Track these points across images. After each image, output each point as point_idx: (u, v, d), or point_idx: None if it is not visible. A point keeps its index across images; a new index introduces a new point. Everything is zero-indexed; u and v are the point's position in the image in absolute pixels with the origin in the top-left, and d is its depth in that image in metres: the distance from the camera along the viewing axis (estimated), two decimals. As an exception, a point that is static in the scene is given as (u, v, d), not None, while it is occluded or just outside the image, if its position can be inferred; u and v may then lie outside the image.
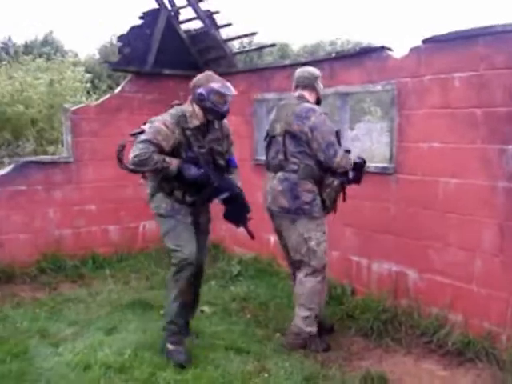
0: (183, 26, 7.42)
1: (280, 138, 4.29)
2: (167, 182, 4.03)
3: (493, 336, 4.12)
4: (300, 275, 4.33)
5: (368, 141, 19.43)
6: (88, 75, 16.84)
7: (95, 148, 6.83)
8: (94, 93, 17.24)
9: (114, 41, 20.41)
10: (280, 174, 4.28)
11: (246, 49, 10.33)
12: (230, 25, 7.11)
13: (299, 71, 4.48)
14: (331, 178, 4.21)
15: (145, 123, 4.07)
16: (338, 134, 4.24)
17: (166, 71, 7.22)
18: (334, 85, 5.52)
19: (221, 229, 7.28)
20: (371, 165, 5.34)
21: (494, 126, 4.11)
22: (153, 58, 7.07)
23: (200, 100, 4.01)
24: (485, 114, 4.17)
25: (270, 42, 9.71)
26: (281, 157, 4.28)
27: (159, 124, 3.91)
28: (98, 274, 6.28)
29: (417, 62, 4.69)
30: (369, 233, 5.22)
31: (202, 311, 5.00)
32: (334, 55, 5.66)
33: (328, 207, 4.29)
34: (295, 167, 4.20)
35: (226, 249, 7.08)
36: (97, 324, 4.75)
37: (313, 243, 4.23)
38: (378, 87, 5.09)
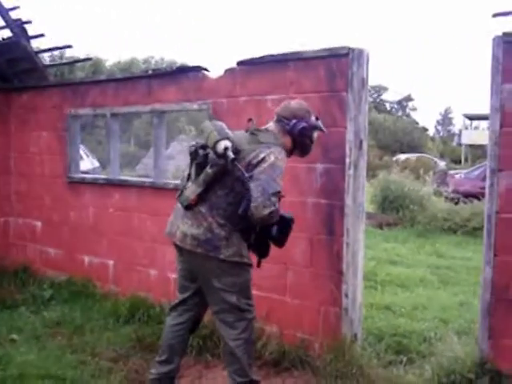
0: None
1: None
2: (245, 219, 3.27)
3: (306, 344, 4.35)
4: None
5: (183, 159, 19.67)
6: None
7: None
8: None
9: None
10: None
11: (58, 62, 9.91)
12: (42, 35, 6.78)
13: None
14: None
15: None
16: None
17: (-31, 82, 6.68)
18: (150, 103, 5.51)
19: (29, 251, 6.89)
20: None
21: (304, 146, 4.37)
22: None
23: (301, 135, 3.48)
24: (295, 134, 4.42)
25: (81, 57, 9.43)
26: None
27: (281, 164, 3.28)
28: None
29: (232, 83, 4.85)
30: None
31: (11, 340, 4.66)
32: (151, 73, 5.66)
33: None
34: None
35: (37, 272, 6.66)
36: None
37: None
38: (195, 106, 5.18)
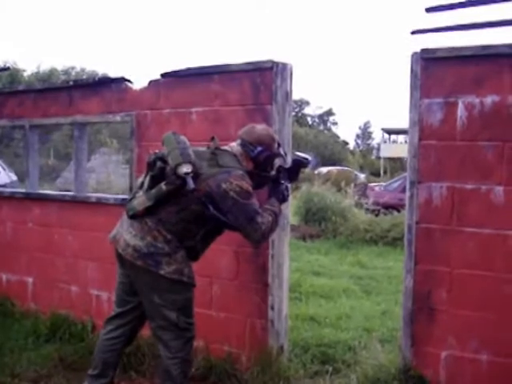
0: None
1: None
2: (205, 235, 3.39)
3: (233, 358, 4.32)
4: None
5: (104, 172, 19.31)
6: None
7: None
8: None
9: None
10: None
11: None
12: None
13: None
14: None
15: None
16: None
17: None
18: (71, 114, 5.37)
19: None
20: (111, 196, 5.33)
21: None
22: None
23: (265, 163, 3.46)
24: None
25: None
26: None
27: (247, 186, 3.25)
28: None
29: (156, 95, 4.80)
30: (109, 266, 5.14)
31: None
32: (72, 83, 5.52)
33: None
34: None
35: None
36: None
37: None
38: (118, 118, 5.08)
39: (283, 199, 3.53)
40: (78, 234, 5.38)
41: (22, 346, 4.78)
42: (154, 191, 3.25)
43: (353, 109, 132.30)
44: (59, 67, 33.82)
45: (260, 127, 3.55)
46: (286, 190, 3.55)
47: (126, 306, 3.57)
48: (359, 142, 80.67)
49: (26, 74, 29.52)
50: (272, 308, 4.25)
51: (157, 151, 3.38)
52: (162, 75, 4.75)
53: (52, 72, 31.10)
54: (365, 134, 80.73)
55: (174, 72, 4.67)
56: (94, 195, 5.59)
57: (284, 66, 4.20)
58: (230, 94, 4.39)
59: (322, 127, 74.23)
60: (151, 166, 3.31)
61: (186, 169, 3.13)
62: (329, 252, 11.00)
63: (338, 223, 12.78)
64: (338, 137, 65.35)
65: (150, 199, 3.25)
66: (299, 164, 3.65)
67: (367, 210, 14.45)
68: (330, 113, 77.07)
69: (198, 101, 4.55)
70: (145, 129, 4.86)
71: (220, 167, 3.28)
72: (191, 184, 3.12)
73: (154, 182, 3.28)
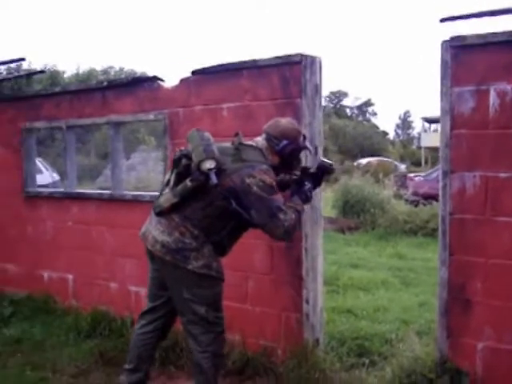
0: None
1: None
2: (232, 231, 3.38)
3: (269, 351, 4.35)
4: None
5: (144, 170, 19.56)
6: None
7: None
8: None
9: None
10: None
11: (13, 75, 9.79)
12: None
13: None
14: None
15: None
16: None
17: None
18: (106, 114, 5.46)
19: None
20: (146, 193, 5.41)
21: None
22: None
23: (290, 157, 3.46)
24: (252, 142, 4.45)
25: (39, 69, 9.35)
26: None
27: (270, 181, 3.26)
28: None
29: (187, 93, 4.85)
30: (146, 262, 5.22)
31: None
32: (106, 84, 5.61)
33: None
34: None
35: (-5, 289, 6.54)
36: None
37: None
38: (151, 116, 5.16)
39: (306, 199, 3.50)
40: (115, 231, 5.48)
41: (64, 341, 4.92)
42: (179, 188, 3.29)
43: (392, 99, 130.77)
44: (98, 67, 34.41)
45: (285, 120, 3.55)
46: (309, 191, 3.52)
47: (157, 300, 3.63)
48: (399, 132, 79.64)
49: (65, 76, 30.14)
50: (307, 301, 4.25)
51: (182, 149, 3.41)
52: (193, 72, 4.79)
53: (91, 72, 31.63)
54: (405, 123, 79.63)
55: (204, 69, 4.71)
56: (130, 193, 5.67)
57: (313, 59, 4.19)
58: (260, 89, 4.41)
59: (360, 118, 73.58)
60: (177, 163, 3.35)
61: (209, 165, 3.16)
62: (367, 244, 10.93)
63: (377, 215, 12.69)
64: (378, 127, 64.61)
65: (176, 196, 3.29)
66: (324, 169, 3.60)
67: (406, 200, 14.29)
68: (368, 103, 76.38)
69: (228, 97, 4.58)
70: (177, 126, 4.91)
71: (244, 162, 3.30)
72: (214, 179, 3.14)
73: (180, 178, 3.32)
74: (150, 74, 5.35)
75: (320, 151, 4.30)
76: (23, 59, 6.92)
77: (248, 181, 3.21)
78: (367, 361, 4.34)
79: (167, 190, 3.39)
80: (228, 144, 3.48)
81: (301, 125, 4.18)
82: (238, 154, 3.35)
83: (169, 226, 3.33)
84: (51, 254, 6.10)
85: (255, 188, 3.20)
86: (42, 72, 7.76)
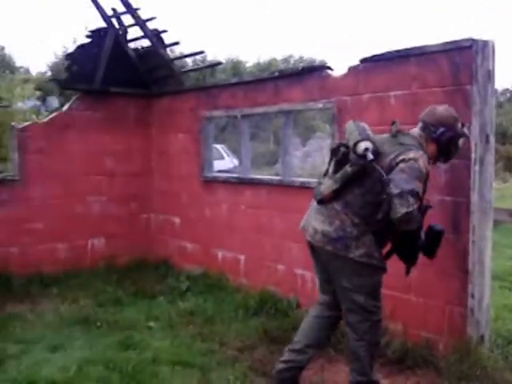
0: (131, 45, 7.49)
1: None
2: (386, 221, 3.21)
3: (430, 344, 4.28)
4: None
5: (319, 157, 19.79)
6: (38, 92, 16.65)
7: (43, 166, 6.81)
8: (46, 110, 17.06)
9: (66, 58, 20.24)
10: None
11: (194, 67, 10.59)
12: (177, 43, 7.24)
13: None
14: None
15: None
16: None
17: (114, 89, 7.24)
18: (278, 103, 5.67)
19: (169, 245, 7.36)
20: (313, 180, 5.52)
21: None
22: (101, 77, 7.08)
23: (448, 144, 3.43)
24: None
25: (224, 59, 9.95)
26: None
27: (422, 166, 3.23)
28: (46, 293, 6.21)
29: (355, 81, 4.88)
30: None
31: (148, 327, 5.04)
32: (277, 74, 5.82)
33: None
34: None
35: (175, 265, 7.13)
36: (43, 342, 4.73)
37: None
38: (319, 105, 5.27)
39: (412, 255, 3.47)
40: (284, 216, 5.68)
41: (232, 317, 5.23)
42: (339, 174, 3.36)
43: None
44: (279, 57, 35.30)
45: (441, 108, 3.49)
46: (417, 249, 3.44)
47: (328, 291, 3.66)
48: None
49: (247, 66, 31.34)
50: (472, 296, 4.10)
51: (339, 141, 3.52)
52: (361, 61, 4.81)
53: (271, 62, 32.56)
54: None
55: (372, 57, 4.70)
56: (299, 179, 5.83)
57: (485, 43, 4.01)
58: (428, 76, 4.31)
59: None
60: (335, 152, 3.42)
61: (364, 145, 3.21)
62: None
63: None
64: None
65: (337, 182, 3.35)
66: (435, 236, 3.40)
67: None
68: None
69: (395, 84, 4.54)
70: (345, 114, 4.96)
71: (401, 145, 3.31)
72: (370, 156, 3.17)
73: (339, 166, 3.38)
74: (329, 62, 5.47)
75: (492, 139, 4.12)
76: (202, 52, 7.39)
77: (400, 157, 3.22)
78: (536, 362, 4.09)
79: (326, 179, 3.47)
80: (385, 134, 3.49)
81: (471, 112, 4.03)
82: (395, 139, 3.38)
83: (329, 215, 3.39)
84: (226, 235, 6.49)
85: (402, 165, 3.19)
86: (219, 64, 8.29)
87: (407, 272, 3.49)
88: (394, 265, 4.32)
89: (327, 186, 3.41)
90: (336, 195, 3.38)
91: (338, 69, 5.20)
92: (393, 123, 3.48)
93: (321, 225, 3.42)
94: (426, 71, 4.33)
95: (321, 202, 3.45)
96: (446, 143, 3.40)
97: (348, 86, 4.95)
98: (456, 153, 3.51)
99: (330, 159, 3.50)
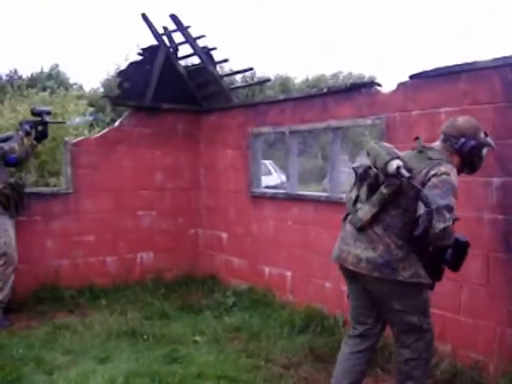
0: (182, 62, 7.63)
1: None
2: (424, 238, 3.14)
3: (480, 366, 4.18)
4: None
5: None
6: (91, 108, 17.06)
7: (94, 180, 6.96)
8: (98, 126, 17.46)
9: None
10: None
11: (243, 84, 10.73)
12: (226, 60, 7.33)
13: None
14: None
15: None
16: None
17: (165, 106, 7.37)
18: (325, 119, 5.67)
19: (216, 260, 7.41)
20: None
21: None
22: (152, 93, 7.23)
23: (470, 154, 3.38)
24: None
25: (273, 75, 10.05)
26: None
27: (454, 180, 3.21)
28: (95, 304, 6.34)
29: (404, 97, 4.84)
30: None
31: (194, 341, 5.08)
32: (325, 90, 5.83)
33: None
34: None
35: (222, 280, 7.17)
36: (91, 353, 4.81)
37: None
38: (368, 121, 5.24)
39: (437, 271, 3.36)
40: (331, 232, 5.62)
41: (278, 334, 5.21)
42: (375, 198, 3.27)
43: None
44: (327, 73, 35.28)
45: (461, 118, 3.46)
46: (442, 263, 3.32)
47: (368, 320, 3.55)
48: None
49: (296, 82, 31.46)
50: (525, 318, 3.99)
51: (359, 163, 3.44)
52: (410, 77, 4.77)
53: (320, 78, 32.58)
54: None
55: (422, 73, 4.66)
56: (346, 196, 5.80)
57: (538, 59, 3.93)
58: (479, 93, 4.25)
59: None
60: (363, 176, 3.35)
61: (396, 164, 3.13)
62: None
63: None
64: None
65: (375, 206, 3.27)
66: (461, 249, 3.28)
67: None
68: None
69: (445, 101, 4.48)
70: (393, 131, 4.93)
71: (431, 160, 3.27)
72: (405, 173, 3.11)
73: (372, 189, 3.31)
74: (378, 78, 5.44)
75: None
76: (251, 69, 7.46)
77: (432, 172, 3.19)
78: None
79: (360, 205, 3.37)
80: (408, 150, 3.47)
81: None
82: (422, 154, 3.35)
83: (371, 240, 3.31)
84: (272, 251, 6.50)
85: (434, 179, 3.15)
86: (267, 81, 8.36)
87: (431, 288, 3.39)
88: (443, 283, 4.26)
89: (365, 211, 3.31)
90: (374, 220, 3.31)
91: (387, 85, 5.19)
92: (416, 138, 3.47)
93: (364, 252, 3.32)
94: (476, 88, 4.27)
95: (361, 229, 3.37)
96: (468, 153, 3.35)
97: (397, 103, 4.92)
98: (480, 163, 3.43)
99: (359, 184, 3.41)
